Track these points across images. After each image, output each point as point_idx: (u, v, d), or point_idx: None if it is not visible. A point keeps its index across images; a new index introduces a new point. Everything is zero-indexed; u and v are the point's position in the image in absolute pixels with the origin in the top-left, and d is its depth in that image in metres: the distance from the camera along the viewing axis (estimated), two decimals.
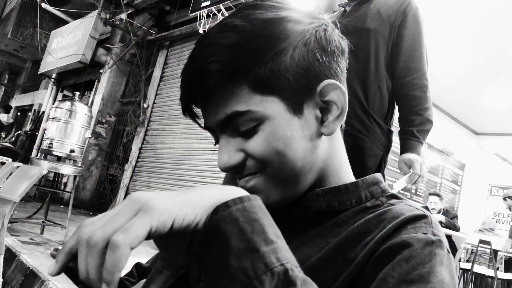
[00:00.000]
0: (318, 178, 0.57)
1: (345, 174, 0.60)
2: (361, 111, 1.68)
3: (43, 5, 8.43)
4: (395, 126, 1.73)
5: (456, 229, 4.94)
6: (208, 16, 4.94)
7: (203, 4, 5.12)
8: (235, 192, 0.39)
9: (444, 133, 6.91)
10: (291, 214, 0.57)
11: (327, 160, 0.57)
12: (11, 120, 10.57)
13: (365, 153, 1.66)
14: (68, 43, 7.82)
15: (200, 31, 4.90)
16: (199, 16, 5.04)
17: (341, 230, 0.53)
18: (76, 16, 8.01)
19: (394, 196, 0.58)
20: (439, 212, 5.18)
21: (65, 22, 8.60)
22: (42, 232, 3.88)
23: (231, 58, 0.49)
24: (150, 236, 0.35)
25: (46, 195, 4.08)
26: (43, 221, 3.86)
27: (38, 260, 2.68)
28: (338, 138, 0.59)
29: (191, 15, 5.36)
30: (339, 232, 0.52)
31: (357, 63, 1.70)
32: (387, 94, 1.73)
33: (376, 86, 1.71)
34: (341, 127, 0.60)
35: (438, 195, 5.26)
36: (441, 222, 4.89)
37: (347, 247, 0.50)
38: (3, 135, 8.79)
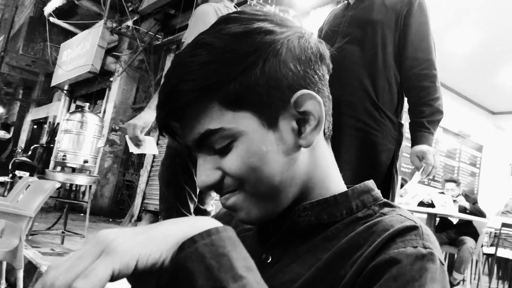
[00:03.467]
0: (302, 191, 0.55)
1: (333, 184, 0.58)
2: (372, 106, 1.65)
3: (51, 19, 8.57)
4: (405, 118, 1.70)
5: (483, 215, 4.69)
6: None
7: None
8: (204, 224, 0.38)
9: (459, 115, 6.78)
10: (281, 228, 0.56)
11: (309, 172, 0.55)
12: (8, 136, 10.71)
13: (378, 149, 1.64)
14: (77, 55, 7.93)
15: None
16: None
17: (332, 244, 0.51)
18: (83, 27, 8.10)
19: (386, 204, 0.56)
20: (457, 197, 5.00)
21: (73, 34, 8.71)
22: (62, 242, 3.96)
23: (200, 77, 0.49)
24: (113, 278, 0.34)
25: (66, 205, 4.18)
26: (62, 232, 3.94)
27: None
28: (321, 148, 0.57)
29: None
30: (329, 247, 0.51)
31: (364, 57, 1.67)
32: (396, 86, 1.70)
33: (385, 79, 1.67)
34: (325, 135, 0.58)
35: (455, 181, 5.09)
36: (465, 209, 4.71)
37: (337, 264, 0.48)
38: (20, 150, 8.94)
